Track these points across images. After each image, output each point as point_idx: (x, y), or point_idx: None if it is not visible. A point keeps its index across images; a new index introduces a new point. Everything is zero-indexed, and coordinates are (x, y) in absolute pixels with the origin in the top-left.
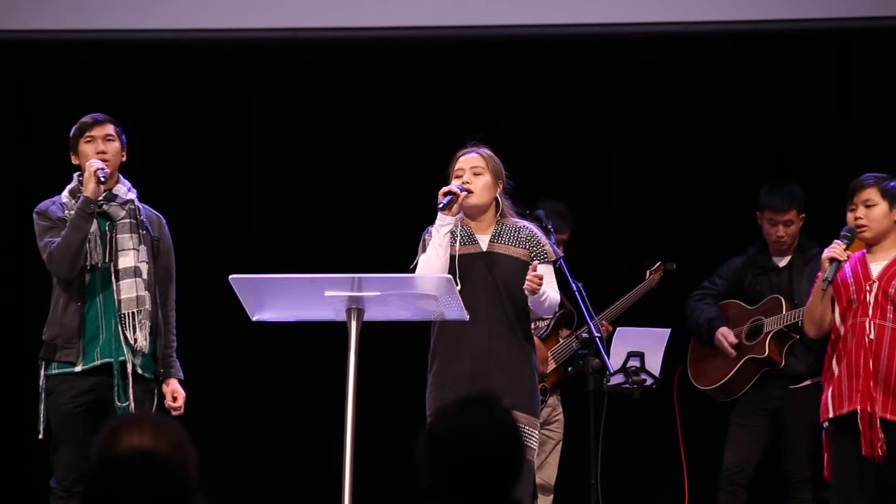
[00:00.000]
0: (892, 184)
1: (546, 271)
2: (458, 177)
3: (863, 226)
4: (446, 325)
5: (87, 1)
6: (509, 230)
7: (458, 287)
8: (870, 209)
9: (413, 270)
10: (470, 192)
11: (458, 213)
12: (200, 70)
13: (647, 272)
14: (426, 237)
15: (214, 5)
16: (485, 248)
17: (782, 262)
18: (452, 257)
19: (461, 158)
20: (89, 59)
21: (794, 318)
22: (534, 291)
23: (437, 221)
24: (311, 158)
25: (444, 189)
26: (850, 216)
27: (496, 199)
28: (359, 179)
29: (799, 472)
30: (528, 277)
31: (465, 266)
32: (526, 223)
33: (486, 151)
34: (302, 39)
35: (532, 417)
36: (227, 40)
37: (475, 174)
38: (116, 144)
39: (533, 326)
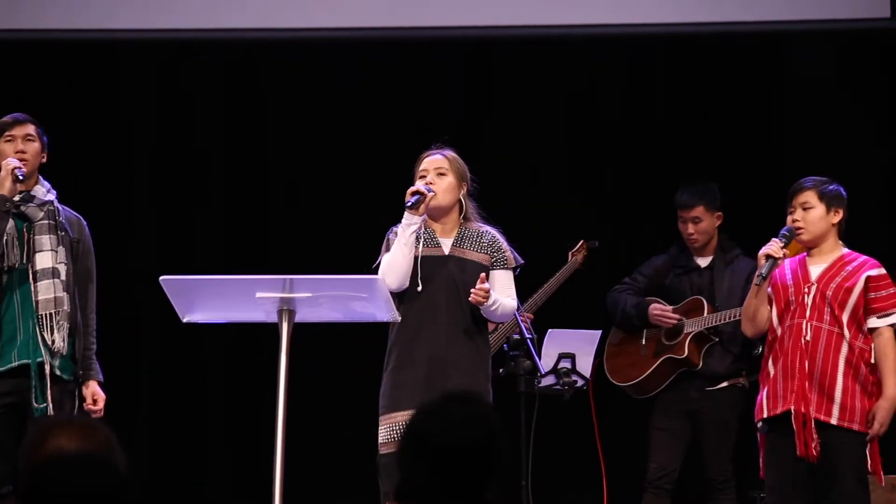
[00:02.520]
0: (830, 187)
1: (504, 277)
2: (422, 177)
3: (800, 228)
4: (404, 326)
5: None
6: (472, 234)
7: (420, 288)
8: (807, 212)
9: (376, 269)
10: (434, 192)
11: (424, 213)
12: (141, 70)
13: (570, 254)
14: (390, 237)
15: (170, 5)
16: (447, 252)
17: (704, 263)
18: (415, 258)
19: (426, 160)
20: (33, 61)
21: (715, 321)
22: (478, 303)
23: (403, 220)
24: (250, 159)
25: (412, 189)
26: (789, 219)
27: (460, 201)
28: (298, 181)
29: (720, 473)
30: (473, 290)
31: (427, 268)
32: (489, 228)
33: (451, 153)
34: (243, 40)
35: None
36: (165, 40)
37: (439, 174)
38: (36, 145)
39: None
